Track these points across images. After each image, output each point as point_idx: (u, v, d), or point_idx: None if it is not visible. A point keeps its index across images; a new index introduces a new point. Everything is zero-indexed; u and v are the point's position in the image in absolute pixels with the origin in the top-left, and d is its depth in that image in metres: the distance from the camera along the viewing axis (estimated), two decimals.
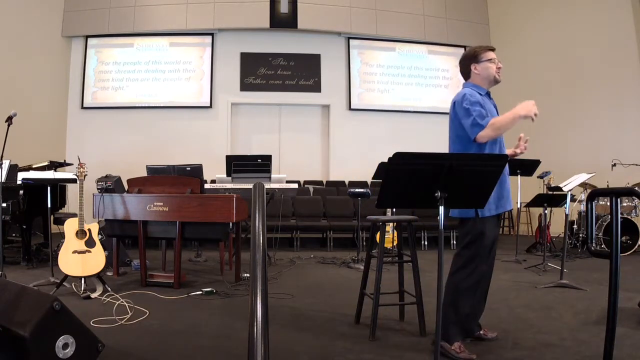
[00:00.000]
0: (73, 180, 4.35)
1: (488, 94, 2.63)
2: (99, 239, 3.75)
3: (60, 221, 4.89)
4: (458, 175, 1.92)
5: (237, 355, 2.42)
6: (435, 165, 1.91)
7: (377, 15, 9.58)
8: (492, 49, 2.62)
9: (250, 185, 2.90)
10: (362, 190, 5.57)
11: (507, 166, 2.52)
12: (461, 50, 10.08)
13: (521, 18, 9.40)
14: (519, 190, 5.65)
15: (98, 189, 4.45)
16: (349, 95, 9.73)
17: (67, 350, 1.98)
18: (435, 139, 8.48)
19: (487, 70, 2.57)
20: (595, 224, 6.05)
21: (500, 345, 2.57)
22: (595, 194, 1.91)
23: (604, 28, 7.91)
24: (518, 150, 2.59)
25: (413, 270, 2.84)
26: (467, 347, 2.44)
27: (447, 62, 10.05)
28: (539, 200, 5.30)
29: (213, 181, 5.61)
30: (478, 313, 2.63)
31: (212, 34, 9.50)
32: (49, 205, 4.29)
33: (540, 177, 5.92)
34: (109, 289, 3.65)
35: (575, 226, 6.56)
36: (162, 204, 4.07)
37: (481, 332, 2.64)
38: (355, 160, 9.30)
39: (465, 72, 2.67)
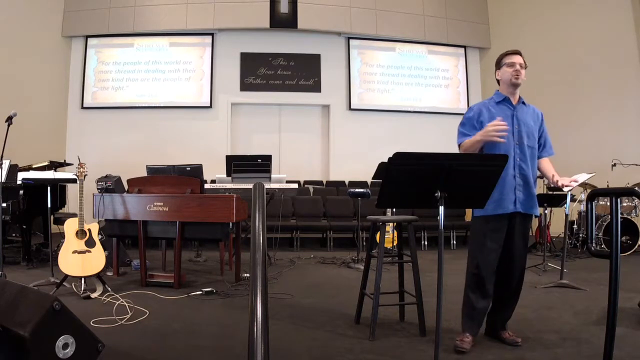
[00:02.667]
0: (73, 180, 4.35)
1: (507, 100, 2.65)
2: (99, 239, 3.75)
3: (60, 221, 4.89)
4: (458, 175, 1.92)
5: (237, 355, 2.42)
6: (435, 165, 1.91)
7: (377, 15, 9.57)
8: (515, 53, 2.66)
9: (250, 185, 2.90)
10: (362, 190, 5.57)
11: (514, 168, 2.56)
12: (461, 50, 10.08)
13: (521, 18, 9.38)
14: None
15: (98, 189, 4.45)
16: (349, 95, 9.72)
17: (67, 350, 1.98)
18: (435, 139, 8.49)
19: (505, 74, 2.64)
20: (595, 224, 6.04)
21: (500, 346, 2.57)
22: (595, 194, 1.91)
23: (604, 28, 7.90)
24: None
25: (413, 270, 2.84)
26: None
27: (447, 62, 10.05)
28: (539, 200, 5.27)
29: (213, 181, 5.60)
30: (492, 312, 2.68)
31: (212, 34, 9.49)
32: (49, 205, 4.29)
33: (540, 177, 5.91)
34: (109, 289, 3.65)
35: (575, 226, 6.56)
36: (162, 204, 4.07)
37: (505, 333, 2.64)
38: (355, 160, 9.29)
39: (497, 81, 2.76)
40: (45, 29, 8.78)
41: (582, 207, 6.48)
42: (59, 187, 5.38)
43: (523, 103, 2.69)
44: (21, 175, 4.89)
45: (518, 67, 2.60)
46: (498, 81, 2.73)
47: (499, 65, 2.68)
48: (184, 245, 4.78)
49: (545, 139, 2.72)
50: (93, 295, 3.55)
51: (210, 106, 9.45)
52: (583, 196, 6.51)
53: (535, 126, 2.65)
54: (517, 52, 2.66)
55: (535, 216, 2.72)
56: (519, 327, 2.90)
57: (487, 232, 2.55)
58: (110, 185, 4.55)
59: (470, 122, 2.62)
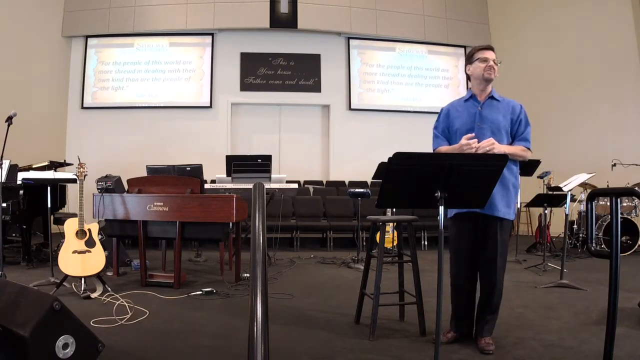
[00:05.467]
0: (73, 180, 4.36)
1: (474, 97, 2.65)
2: (99, 239, 3.75)
3: (60, 221, 4.89)
4: (458, 175, 1.92)
5: (237, 355, 2.42)
6: (435, 165, 1.91)
7: (377, 15, 9.57)
8: (487, 48, 2.64)
9: (250, 185, 2.90)
10: (362, 190, 5.57)
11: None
12: (461, 50, 10.08)
13: (521, 18, 9.39)
14: (519, 190, 5.64)
15: (98, 189, 4.45)
16: (349, 95, 9.72)
17: (67, 350, 1.98)
18: None
19: (477, 69, 2.62)
20: (595, 224, 6.04)
21: (500, 345, 2.56)
22: (595, 194, 1.91)
23: (604, 28, 7.91)
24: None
25: (413, 270, 2.84)
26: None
27: (447, 62, 10.05)
28: (539, 200, 5.30)
29: (213, 181, 5.61)
30: (466, 314, 2.68)
31: (212, 34, 9.50)
32: (49, 205, 4.29)
33: (540, 177, 5.92)
34: (109, 289, 3.65)
35: (575, 226, 6.56)
36: (162, 204, 4.07)
37: (481, 340, 2.55)
38: (355, 160, 9.30)
39: (467, 75, 2.75)
40: (45, 29, 8.78)
41: (582, 207, 6.49)
42: (59, 187, 5.38)
43: (493, 98, 2.62)
44: (21, 175, 4.89)
45: (492, 62, 2.58)
46: (469, 76, 2.71)
47: (470, 60, 2.65)
48: (184, 245, 4.77)
49: (522, 132, 2.58)
50: (93, 295, 3.54)
51: (210, 106, 9.45)
52: (583, 196, 6.51)
53: (506, 120, 2.56)
54: (490, 48, 2.64)
55: (504, 219, 2.53)
56: (518, 327, 2.90)
57: (454, 232, 2.66)
58: (110, 185, 4.55)
59: (441, 124, 2.71)
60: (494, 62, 2.58)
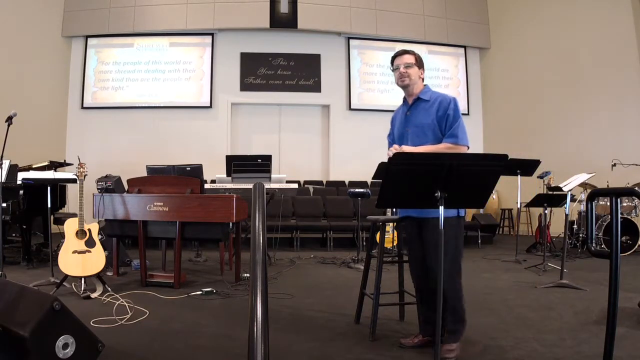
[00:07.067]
0: (73, 180, 4.35)
1: (404, 101, 2.66)
2: (99, 239, 3.75)
3: (60, 221, 4.89)
4: (458, 175, 1.92)
5: (237, 355, 2.42)
6: (435, 165, 1.91)
7: (377, 15, 9.58)
8: (398, 54, 2.65)
9: (250, 185, 2.90)
10: (362, 190, 5.57)
11: None
12: (461, 50, 10.08)
13: (521, 18, 9.39)
14: (519, 190, 5.65)
15: (98, 189, 4.45)
16: (349, 95, 9.72)
17: (67, 350, 1.98)
18: None
19: (395, 77, 2.64)
20: (595, 224, 6.04)
21: (500, 345, 2.56)
22: (595, 194, 1.91)
23: (604, 28, 7.91)
24: None
25: None
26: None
27: (447, 62, 10.05)
28: (539, 200, 5.30)
29: (213, 181, 5.61)
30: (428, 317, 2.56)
31: (212, 34, 9.50)
32: (49, 205, 4.28)
33: (540, 177, 5.92)
34: (109, 289, 3.64)
35: (575, 226, 6.56)
36: (162, 204, 4.06)
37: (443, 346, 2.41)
38: (355, 160, 9.30)
39: None
40: (45, 29, 8.78)
41: (582, 207, 6.49)
42: (59, 187, 5.38)
43: (420, 99, 2.55)
44: (21, 175, 4.89)
45: (402, 69, 2.56)
46: None
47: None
48: (184, 245, 4.77)
49: (449, 127, 2.44)
50: (93, 295, 3.55)
51: (210, 106, 9.45)
52: (583, 196, 6.51)
53: (430, 119, 2.48)
54: (403, 53, 2.63)
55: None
56: (518, 327, 2.90)
57: (406, 234, 2.66)
58: (110, 185, 4.55)
59: (390, 131, 2.76)
60: (407, 66, 2.56)
